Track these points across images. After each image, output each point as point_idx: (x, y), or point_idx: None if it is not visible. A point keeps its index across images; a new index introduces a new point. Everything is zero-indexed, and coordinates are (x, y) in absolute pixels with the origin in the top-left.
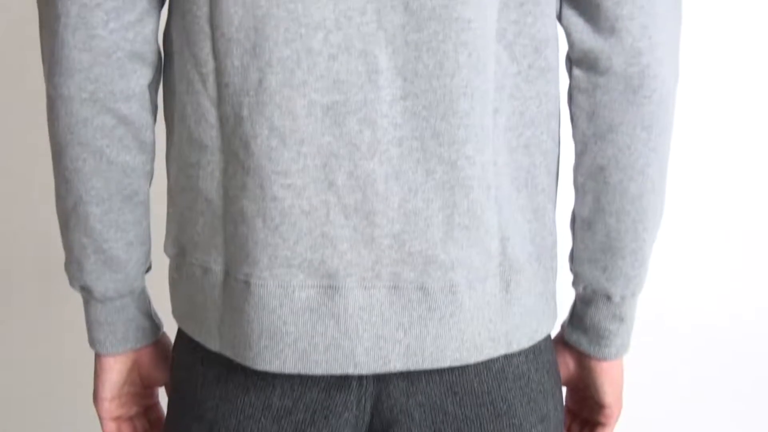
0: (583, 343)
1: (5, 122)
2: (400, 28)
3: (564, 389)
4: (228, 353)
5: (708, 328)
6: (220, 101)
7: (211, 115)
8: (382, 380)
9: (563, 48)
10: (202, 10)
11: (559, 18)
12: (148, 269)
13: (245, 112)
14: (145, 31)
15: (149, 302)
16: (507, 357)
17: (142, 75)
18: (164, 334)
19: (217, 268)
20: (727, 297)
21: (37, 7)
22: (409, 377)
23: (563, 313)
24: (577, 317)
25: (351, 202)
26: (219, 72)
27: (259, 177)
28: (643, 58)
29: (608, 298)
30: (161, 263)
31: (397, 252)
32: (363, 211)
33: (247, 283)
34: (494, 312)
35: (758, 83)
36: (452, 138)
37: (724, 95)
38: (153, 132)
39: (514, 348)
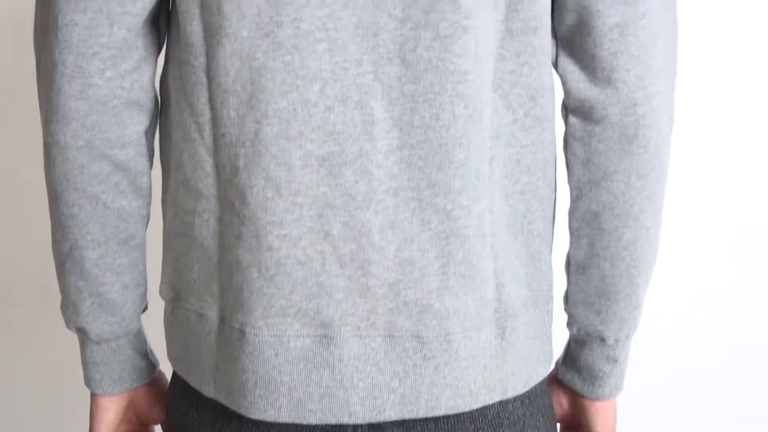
0: (576, 383)
1: (7, 134)
2: (397, 80)
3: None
4: (222, 400)
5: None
6: (216, 150)
7: (208, 163)
8: (377, 429)
9: (559, 93)
10: (199, 61)
11: (555, 65)
12: (144, 309)
13: (241, 163)
14: (142, 79)
15: (145, 341)
16: (502, 403)
17: (139, 122)
18: (160, 371)
19: (212, 314)
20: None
21: (34, 52)
22: (404, 425)
23: (557, 350)
24: (571, 357)
25: (346, 252)
26: (215, 122)
27: (255, 227)
28: (638, 108)
29: (602, 340)
30: (159, 301)
31: (392, 301)
32: (358, 260)
33: (242, 332)
34: (489, 359)
35: (758, 84)
36: (448, 188)
37: (723, 96)
38: (149, 177)
39: (510, 394)
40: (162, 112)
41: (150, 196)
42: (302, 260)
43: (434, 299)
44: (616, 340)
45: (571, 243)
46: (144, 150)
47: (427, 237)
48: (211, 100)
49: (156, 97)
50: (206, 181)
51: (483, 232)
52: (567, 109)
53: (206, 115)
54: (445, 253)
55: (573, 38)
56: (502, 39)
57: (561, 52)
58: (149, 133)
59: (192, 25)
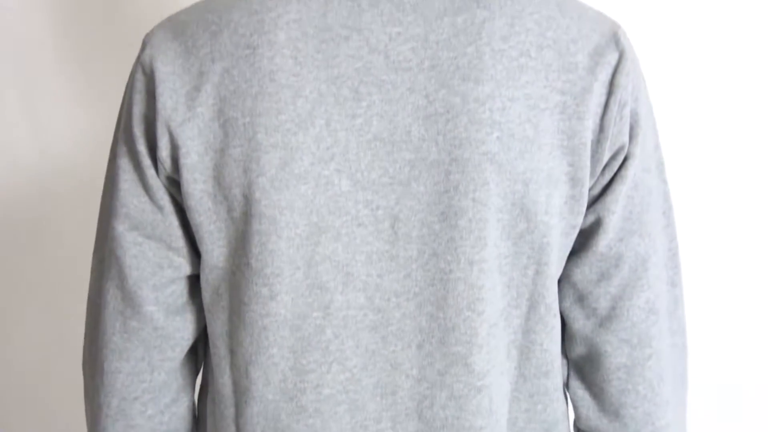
0: None
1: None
2: None
3: None
4: None
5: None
6: None
7: None
8: None
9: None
10: (229, 411)
11: (567, 386)
12: None
13: None
14: (180, 410)
15: None
16: None
17: None
18: None
19: None
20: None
21: (82, 378)
22: None
23: None
24: None
25: None
26: None
27: None
28: None
29: None
30: None
31: None
32: None
33: None
34: None
35: (758, 84)
36: None
37: (723, 96)
38: None
39: None
40: (199, 426)
41: None
42: None
43: None
44: None
45: None
46: None
47: None
48: None
49: (194, 414)
50: None
51: None
52: (579, 431)
53: None
54: None
55: (583, 366)
56: (515, 383)
57: (572, 375)
58: None
59: (223, 378)
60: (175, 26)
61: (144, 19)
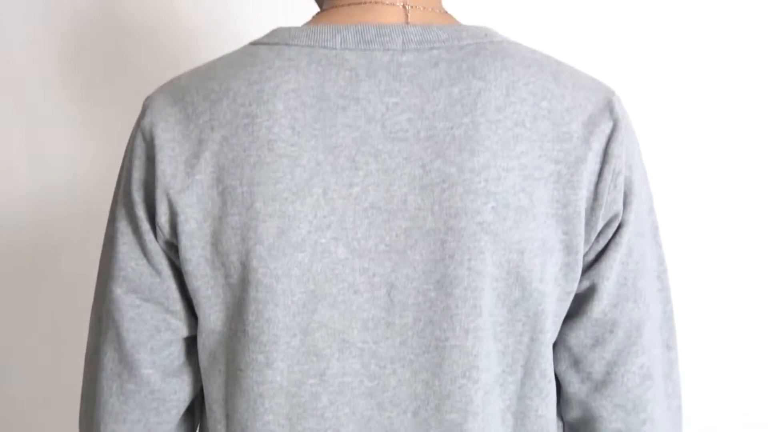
0: None
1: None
2: None
3: None
4: None
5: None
6: None
7: None
8: None
9: None
10: None
11: None
12: None
13: None
14: None
15: None
16: None
17: None
18: None
19: None
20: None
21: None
22: None
23: None
24: None
25: None
26: None
27: None
28: None
29: None
30: None
31: None
32: None
33: None
34: None
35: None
36: None
37: (724, 95)
38: None
39: None
40: None
41: None
42: None
43: None
44: None
45: None
46: None
47: None
48: None
49: None
50: None
51: None
52: None
53: None
54: None
55: (578, 429)
56: None
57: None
58: None
59: None
60: (176, 91)
61: (147, 56)
